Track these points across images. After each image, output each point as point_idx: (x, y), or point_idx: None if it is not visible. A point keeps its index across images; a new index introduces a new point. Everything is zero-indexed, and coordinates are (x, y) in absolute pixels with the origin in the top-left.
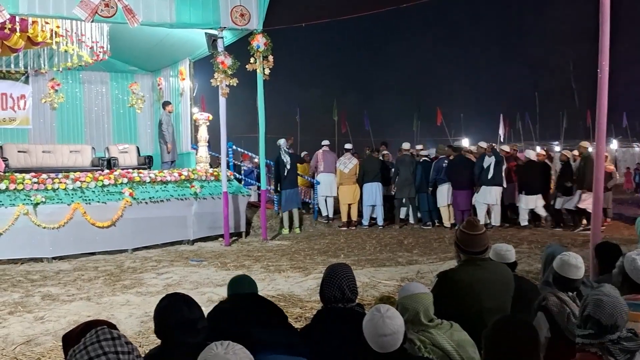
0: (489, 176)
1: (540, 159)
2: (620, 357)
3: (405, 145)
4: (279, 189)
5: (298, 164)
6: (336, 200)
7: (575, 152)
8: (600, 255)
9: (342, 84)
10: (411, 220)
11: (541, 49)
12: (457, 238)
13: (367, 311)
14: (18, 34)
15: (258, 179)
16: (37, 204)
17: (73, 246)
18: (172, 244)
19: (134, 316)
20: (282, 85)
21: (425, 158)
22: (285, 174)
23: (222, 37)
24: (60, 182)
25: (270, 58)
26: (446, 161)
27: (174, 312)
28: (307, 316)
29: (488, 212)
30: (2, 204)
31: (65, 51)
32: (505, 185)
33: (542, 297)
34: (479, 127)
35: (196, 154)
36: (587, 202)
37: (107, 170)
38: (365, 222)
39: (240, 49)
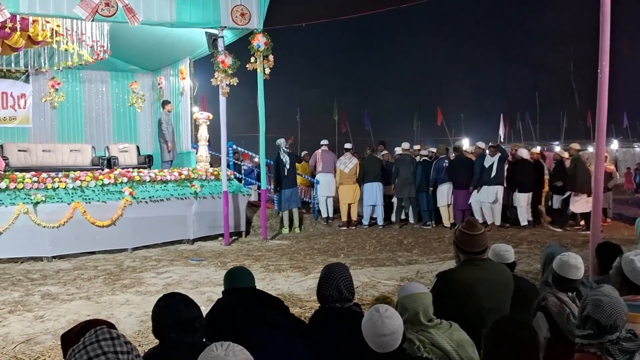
0: (492, 175)
1: (534, 157)
2: (619, 357)
3: (405, 145)
4: (278, 188)
5: (297, 164)
6: (336, 200)
7: (566, 155)
8: (601, 255)
9: (342, 84)
10: (411, 220)
11: (541, 49)
12: (456, 238)
13: (365, 311)
14: (18, 33)
15: (258, 179)
16: (37, 203)
17: (73, 245)
18: (172, 243)
19: (133, 315)
20: (282, 84)
21: (426, 158)
22: (285, 173)
23: (222, 37)
24: (60, 181)
25: (271, 57)
26: (447, 161)
27: (172, 311)
28: (307, 316)
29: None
30: (2, 203)
31: (66, 50)
32: (505, 185)
33: (542, 298)
34: (479, 127)
35: (196, 153)
36: (578, 203)
37: (107, 170)
38: (366, 221)
39: (241, 48)
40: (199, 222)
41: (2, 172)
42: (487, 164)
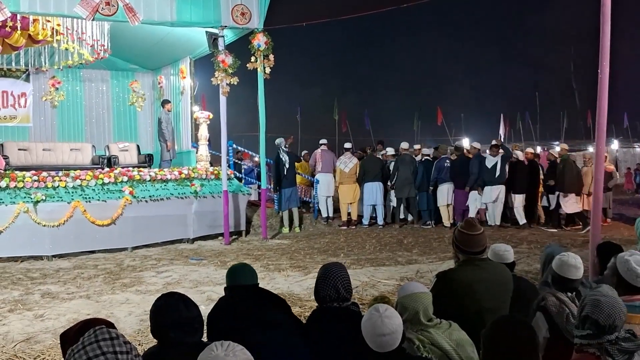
0: (497, 175)
1: (529, 157)
2: (618, 357)
3: (404, 145)
4: (278, 188)
5: (297, 163)
6: (336, 200)
7: (557, 155)
8: (602, 255)
9: (342, 84)
10: (408, 218)
11: (541, 49)
12: (455, 238)
13: (363, 311)
14: (19, 31)
15: (258, 178)
16: (38, 202)
17: (73, 244)
18: (172, 242)
19: (133, 314)
20: (282, 84)
21: (428, 157)
22: (285, 173)
23: (222, 36)
24: (61, 180)
25: (271, 57)
26: (448, 161)
27: (171, 311)
28: (307, 315)
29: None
30: (3, 202)
31: (66, 49)
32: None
33: (541, 298)
34: (480, 126)
35: (196, 153)
36: (568, 204)
37: (107, 169)
38: (366, 221)
39: (241, 47)
40: (199, 222)
41: (2, 171)
42: (489, 164)
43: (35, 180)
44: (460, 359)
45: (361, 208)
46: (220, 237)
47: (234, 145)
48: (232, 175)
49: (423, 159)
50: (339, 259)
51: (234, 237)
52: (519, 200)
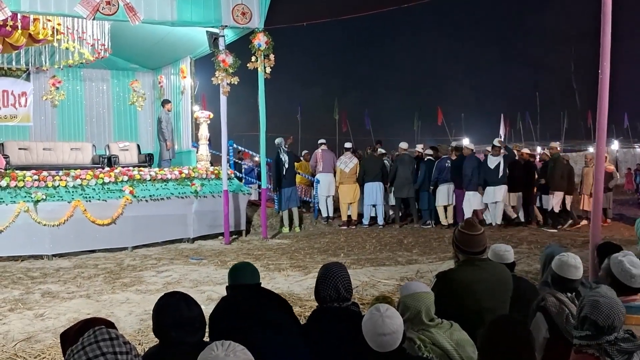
0: (499, 175)
1: (524, 157)
2: (617, 358)
3: (403, 145)
4: (278, 188)
5: (297, 163)
6: (336, 200)
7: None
8: (602, 255)
9: (343, 83)
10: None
11: (541, 49)
12: (455, 238)
13: (363, 310)
14: (19, 31)
15: (258, 178)
16: (38, 201)
17: (73, 243)
18: (172, 242)
19: (133, 314)
20: (283, 84)
21: (430, 157)
22: (284, 173)
23: (223, 36)
24: (61, 180)
25: (272, 57)
26: (449, 161)
27: (172, 311)
28: (307, 315)
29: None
30: (3, 201)
31: (67, 49)
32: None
33: (541, 298)
34: (480, 126)
35: (197, 152)
36: (552, 201)
37: (107, 168)
38: (366, 221)
39: (242, 47)
40: (199, 221)
41: (2, 171)
42: (491, 164)
43: (35, 180)
44: (461, 359)
45: (361, 208)
46: (220, 237)
47: (234, 145)
48: (233, 175)
49: (426, 159)
50: (339, 259)
51: (234, 236)
52: (513, 198)
